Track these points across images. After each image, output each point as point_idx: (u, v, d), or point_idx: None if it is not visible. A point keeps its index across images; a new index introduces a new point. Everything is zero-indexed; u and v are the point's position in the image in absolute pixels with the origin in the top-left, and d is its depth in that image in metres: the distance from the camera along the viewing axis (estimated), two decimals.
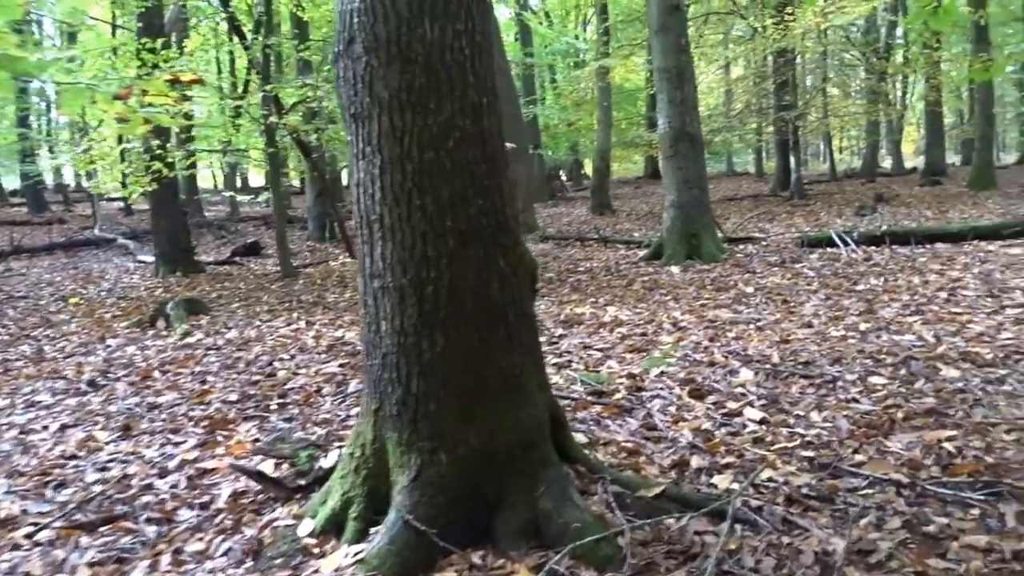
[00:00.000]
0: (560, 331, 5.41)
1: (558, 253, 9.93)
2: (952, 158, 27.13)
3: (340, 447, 3.08)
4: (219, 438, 3.66)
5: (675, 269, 7.63)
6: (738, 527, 2.43)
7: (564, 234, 11.65)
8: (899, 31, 22.11)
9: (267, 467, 3.07)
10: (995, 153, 30.86)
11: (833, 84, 21.99)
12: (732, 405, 3.60)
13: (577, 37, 27.21)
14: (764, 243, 8.96)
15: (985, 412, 3.34)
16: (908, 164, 25.57)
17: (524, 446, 2.48)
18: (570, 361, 4.63)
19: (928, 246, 7.89)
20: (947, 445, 2.99)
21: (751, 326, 5.14)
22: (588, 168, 26.68)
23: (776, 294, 6.16)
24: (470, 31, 2.52)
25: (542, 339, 5.20)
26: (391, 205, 2.45)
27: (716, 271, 7.42)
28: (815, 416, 3.40)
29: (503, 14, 26.76)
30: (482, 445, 2.43)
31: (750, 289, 6.43)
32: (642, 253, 8.74)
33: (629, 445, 3.13)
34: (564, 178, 29.22)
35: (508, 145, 8.35)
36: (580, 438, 3.14)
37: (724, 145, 26.98)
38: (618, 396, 3.83)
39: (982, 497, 2.57)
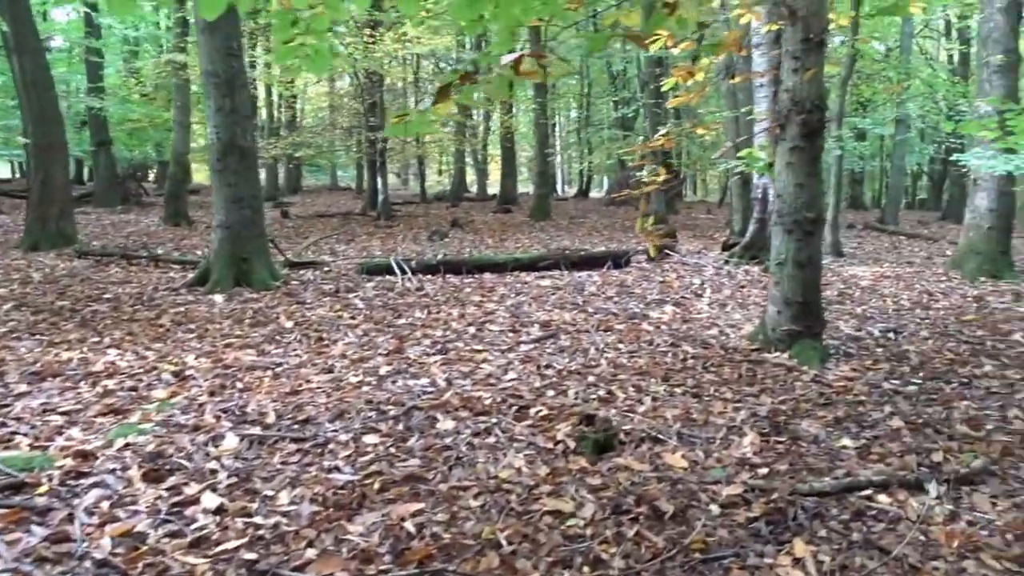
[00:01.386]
0: (24, 387, 4.25)
1: (91, 274, 8.38)
2: (529, 187, 30.61)
3: None
4: None
5: (218, 298, 6.81)
6: None
7: (109, 249, 9.98)
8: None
9: None
10: (560, 186, 35.76)
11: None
12: (192, 489, 2.97)
13: (160, 26, 24.58)
14: (327, 269, 8.61)
15: (463, 473, 3.22)
16: (493, 191, 28.09)
17: None
18: (15, 433, 3.57)
19: (478, 276, 8.29)
20: (410, 523, 2.74)
21: (269, 372, 4.60)
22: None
23: (315, 329, 5.74)
24: None
25: None
26: None
27: (264, 301, 6.79)
28: (283, 497, 2.93)
29: None
30: None
31: (290, 324, 5.93)
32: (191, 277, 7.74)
33: None
34: (151, 180, 26.23)
35: (20, 140, 6.63)
36: None
37: (326, 158, 26.78)
38: (43, 489, 2.94)
39: None
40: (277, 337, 5.52)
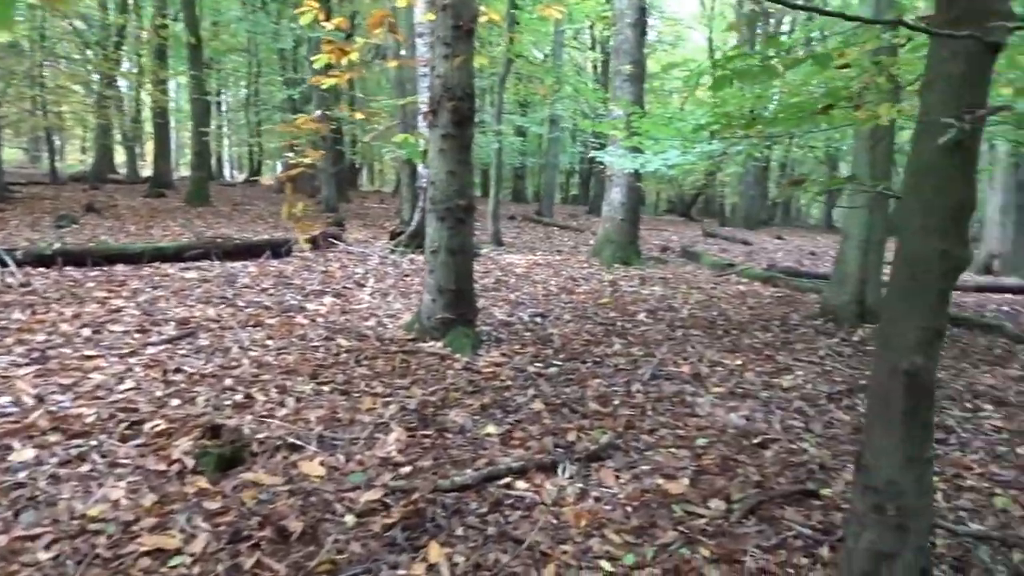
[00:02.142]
0: None
1: None
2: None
3: None
4: None
5: None
6: None
7: None
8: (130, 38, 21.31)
9: None
10: (228, 170, 33.40)
11: (68, 78, 19.83)
12: None
13: None
14: None
15: (35, 517, 2.54)
16: (149, 173, 25.06)
17: None
18: None
19: (108, 268, 7.12)
20: None
21: None
22: None
23: None
24: None
25: None
26: None
27: None
28: None
29: None
30: None
31: None
32: None
33: None
34: None
35: None
36: None
37: None
38: None
39: None
40: None
